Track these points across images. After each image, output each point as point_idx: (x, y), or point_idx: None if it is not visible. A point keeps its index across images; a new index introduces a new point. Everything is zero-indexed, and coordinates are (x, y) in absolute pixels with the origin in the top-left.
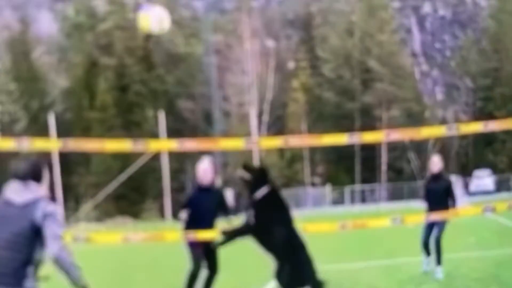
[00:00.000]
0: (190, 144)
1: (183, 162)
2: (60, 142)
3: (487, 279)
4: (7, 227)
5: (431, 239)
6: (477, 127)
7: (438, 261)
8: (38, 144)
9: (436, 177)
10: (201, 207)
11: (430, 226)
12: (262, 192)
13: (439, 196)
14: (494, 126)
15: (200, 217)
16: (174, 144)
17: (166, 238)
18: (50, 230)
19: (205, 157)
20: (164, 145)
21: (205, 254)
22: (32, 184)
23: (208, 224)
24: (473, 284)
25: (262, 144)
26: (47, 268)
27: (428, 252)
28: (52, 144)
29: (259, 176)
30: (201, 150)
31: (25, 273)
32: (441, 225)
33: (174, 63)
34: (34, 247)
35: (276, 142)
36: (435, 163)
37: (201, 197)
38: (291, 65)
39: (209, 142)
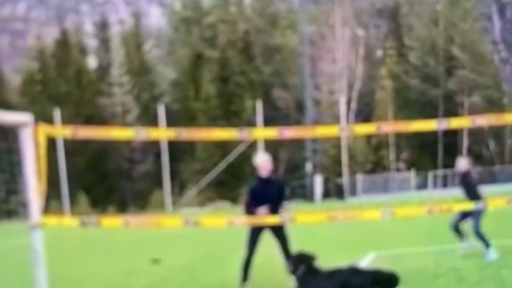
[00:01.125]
0: (288, 132)
1: (277, 150)
2: (174, 132)
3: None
4: None
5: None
6: None
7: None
8: (154, 134)
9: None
10: (264, 197)
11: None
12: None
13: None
14: None
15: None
16: (273, 132)
17: (266, 221)
18: None
19: (261, 151)
20: (265, 133)
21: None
22: None
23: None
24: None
25: (355, 131)
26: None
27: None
28: (166, 134)
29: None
30: (296, 138)
31: None
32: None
33: (270, 54)
34: None
35: (369, 128)
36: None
37: (263, 187)
38: (379, 53)
39: (306, 130)
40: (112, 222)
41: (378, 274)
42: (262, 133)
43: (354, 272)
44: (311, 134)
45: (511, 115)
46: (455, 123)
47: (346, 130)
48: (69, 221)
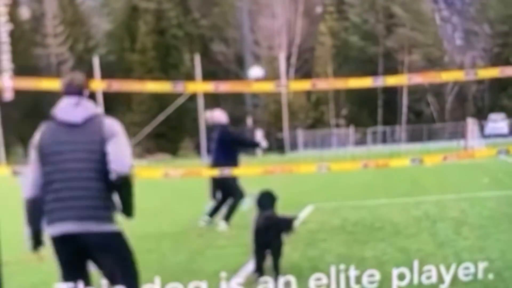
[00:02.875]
0: (224, 86)
1: (216, 104)
2: (105, 83)
3: (499, 217)
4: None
5: None
6: (494, 72)
7: None
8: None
9: None
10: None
11: None
12: None
13: None
14: (510, 71)
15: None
16: (210, 86)
17: (202, 174)
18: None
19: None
20: (201, 86)
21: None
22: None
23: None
24: (486, 222)
25: (291, 87)
26: None
27: None
28: (97, 85)
29: None
30: (235, 93)
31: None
32: None
33: (208, 8)
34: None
35: (305, 85)
36: None
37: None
38: (318, 9)
39: (242, 84)
40: None
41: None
42: (197, 86)
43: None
44: (248, 89)
45: (447, 74)
46: (391, 80)
47: (283, 86)
48: (0, 170)
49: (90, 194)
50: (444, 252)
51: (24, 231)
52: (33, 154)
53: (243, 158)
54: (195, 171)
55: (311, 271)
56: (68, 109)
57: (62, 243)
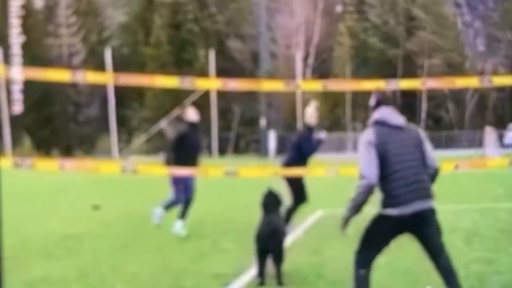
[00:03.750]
0: (233, 84)
1: (230, 101)
2: (113, 76)
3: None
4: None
5: None
6: (509, 80)
7: None
8: (91, 78)
9: None
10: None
11: None
12: None
13: None
14: None
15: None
16: (218, 83)
17: (209, 173)
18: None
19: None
20: (210, 83)
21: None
22: None
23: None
24: (498, 234)
25: (302, 87)
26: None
27: None
28: (107, 78)
29: None
30: (249, 92)
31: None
32: None
33: (225, 3)
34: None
35: (315, 85)
36: None
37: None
38: (338, 8)
39: (252, 83)
40: (46, 165)
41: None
42: (205, 83)
43: None
44: (257, 88)
45: (461, 80)
46: (405, 84)
47: (293, 86)
48: (1, 162)
49: (426, 178)
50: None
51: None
52: (371, 151)
53: (253, 160)
54: (201, 171)
55: (315, 278)
56: (393, 116)
57: (400, 222)
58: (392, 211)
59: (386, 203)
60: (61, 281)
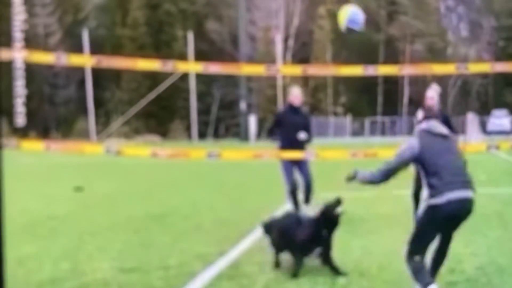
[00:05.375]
0: (214, 68)
1: (209, 84)
2: (94, 59)
3: (490, 215)
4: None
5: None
6: (485, 67)
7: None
8: (74, 60)
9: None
10: (291, 124)
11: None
12: None
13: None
14: (501, 67)
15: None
16: (199, 67)
17: (191, 155)
18: None
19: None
20: (190, 66)
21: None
22: None
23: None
24: (478, 219)
25: (282, 71)
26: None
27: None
28: (87, 61)
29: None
30: (228, 75)
31: None
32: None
33: None
34: None
35: (296, 70)
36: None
37: (292, 115)
38: None
39: (232, 67)
40: (32, 145)
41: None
42: (187, 66)
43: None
44: (238, 71)
45: (440, 66)
46: (382, 70)
47: (273, 70)
48: None
49: (466, 173)
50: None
51: None
52: (407, 152)
53: (234, 143)
54: (183, 152)
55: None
56: (438, 126)
57: (446, 208)
58: (439, 200)
59: (434, 194)
60: (49, 259)
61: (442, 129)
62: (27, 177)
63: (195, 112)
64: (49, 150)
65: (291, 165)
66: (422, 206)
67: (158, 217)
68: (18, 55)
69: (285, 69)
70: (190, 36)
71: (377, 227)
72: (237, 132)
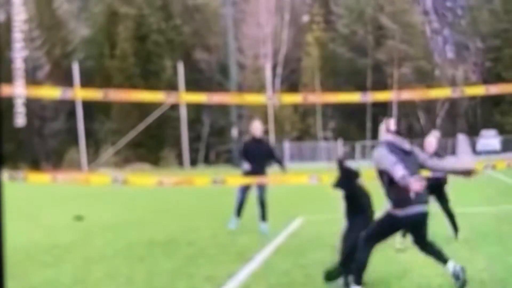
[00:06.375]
0: (217, 98)
1: (199, 112)
2: (101, 92)
3: (488, 232)
4: None
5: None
6: (480, 90)
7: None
8: (82, 94)
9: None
10: (254, 154)
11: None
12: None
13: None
14: (495, 90)
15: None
16: (203, 97)
17: (196, 182)
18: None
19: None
20: (194, 98)
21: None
22: None
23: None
24: (475, 236)
25: (283, 100)
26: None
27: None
28: (94, 94)
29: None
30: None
31: None
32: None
33: (190, 14)
34: None
35: (295, 98)
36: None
37: (255, 145)
38: (305, 18)
39: (235, 96)
40: (39, 177)
41: None
42: (191, 97)
43: None
44: (240, 101)
45: (436, 91)
46: (380, 96)
47: (274, 99)
48: None
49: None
50: (433, 263)
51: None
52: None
53: (227, 170)
54: (188, 180)
55: (304, 278)
56: (402, 141)
57: (403, 220)
58: (399, 212)
59: (395, 205)
60: (61, 286)
61: (407, 145)
62: (25, 207)
63: (186, 140)
64: (56, 181)
65: (246, 187)
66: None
67: (161, 244)
68: (19, 54)
69: (286, 98)
70: (180, 66)
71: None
72: (228, 158)
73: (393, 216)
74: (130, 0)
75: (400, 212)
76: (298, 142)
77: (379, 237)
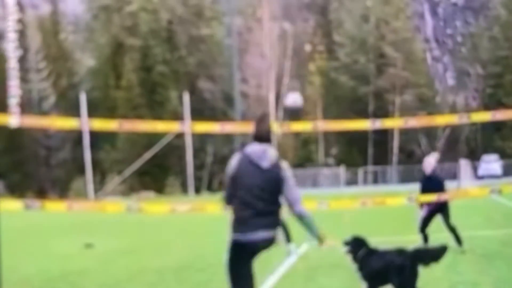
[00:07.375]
0: (229, 127)
1: (204, 141)
2: (116, 123)
3: (492, 255)
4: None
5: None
6: (487, 116)
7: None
8: (98, 125)
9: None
10: None
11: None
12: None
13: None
14: (501, 115)
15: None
16: (216, 127)
17: (208, 209)
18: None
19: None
20: (207, 126)
21: None
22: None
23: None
24: (480, 259)
25: (292, 128)
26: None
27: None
28: (108, 125)
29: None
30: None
31: None
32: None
33: (195, 45)
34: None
35: (306, 126)
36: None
37: None
38: (307, 48)
39: (246, 125)
40: (55, 206)
41: (419, 252)
42: (203, 126)
43: (399, 252)
44: (247, 130)
45: (443, 118)
46: (388, 123)
47: (284, 127)
48: (13, 205)
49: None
50: (441, 285)
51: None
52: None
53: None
54: (201, 207)
55: None
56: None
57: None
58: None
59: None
60: None
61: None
62: (34, 236)
63: (192, 168)
64: (71, 209)
65: None
66: None
67: (173, 270)
68: (13, 54)
69: (295, 126)
70: (186, 97)
71: None
72: None
73: None
74: (136, 32)
75: None
76: (300, 169)
77: None
